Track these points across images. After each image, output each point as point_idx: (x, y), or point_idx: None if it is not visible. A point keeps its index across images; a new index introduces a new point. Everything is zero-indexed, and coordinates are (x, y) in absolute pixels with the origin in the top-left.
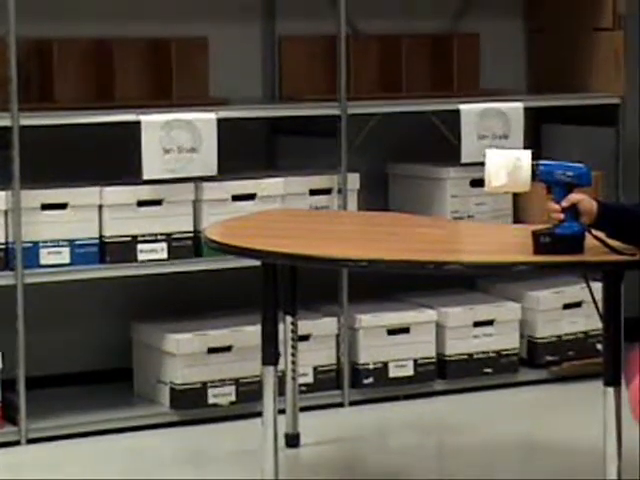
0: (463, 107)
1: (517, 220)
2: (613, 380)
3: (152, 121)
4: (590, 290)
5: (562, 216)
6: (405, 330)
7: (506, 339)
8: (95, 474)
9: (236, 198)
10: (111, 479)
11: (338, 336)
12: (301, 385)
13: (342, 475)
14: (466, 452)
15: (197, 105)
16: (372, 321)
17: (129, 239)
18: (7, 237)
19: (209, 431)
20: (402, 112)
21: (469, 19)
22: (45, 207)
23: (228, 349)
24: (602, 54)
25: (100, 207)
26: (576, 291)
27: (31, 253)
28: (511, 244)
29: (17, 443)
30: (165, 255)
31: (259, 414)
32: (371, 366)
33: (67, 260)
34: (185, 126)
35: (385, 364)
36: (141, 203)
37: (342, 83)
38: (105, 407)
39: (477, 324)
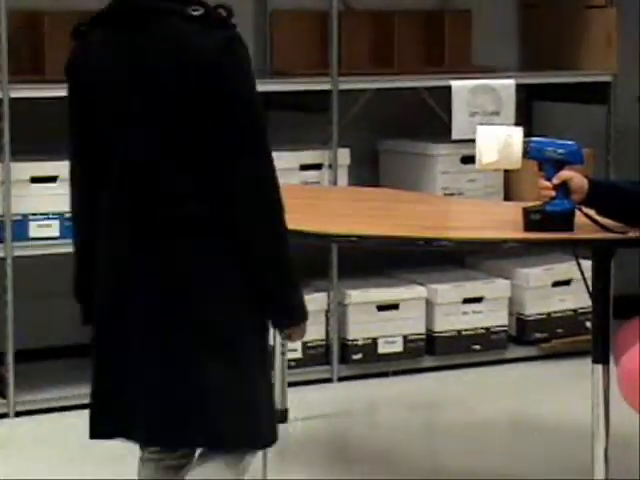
0: (454, 83)
1: (508, 197)
2: (601, 358)
3: None
4: (580, 268)
5: (553, 193)
6: (394, 306)
7: (495, 316)
8: (83, 447)
9: None
10: (99, 453)
11: (327, 312)
12: (290, 360)
13: (330, 450)
14: (454, 428)
15: None
16: (361, 297)
17: None
18: None
19: None
20: (393, 88)
21: None
22: (35, 180)
23: None
24: (594, 31)
25: None
26: (566, 269)
27: (21, 226)
28: (501, 221)
29: (5, 415)
30: None
31: None
32: (360, 342)
33: (57, 233)
34: None
35: (374, 340)
36: None
37: (334, 58)
38: None
39: (466, 301)
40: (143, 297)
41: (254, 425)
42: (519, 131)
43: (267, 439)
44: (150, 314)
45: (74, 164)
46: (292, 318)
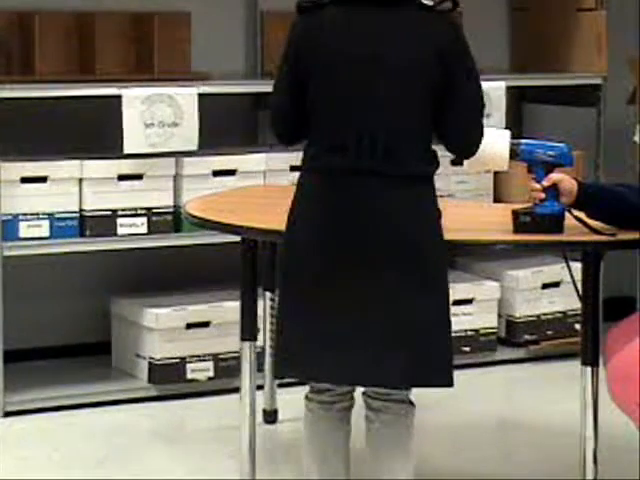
0: None
1: (497, 199)
2: (591, 360)
3: (133, 95)
4: (569, 270)
5: (542, 195)
6: None
7: (485, 318)
8: (72, 448)
9: (217, 173)
10: (89, 453)
11: None
12: None
13: None
14: (443, 430)
15: (179, 80)
16: None
17: (109, 213)
18: None
19: (187, 406)
20: None
21: None
22: (25, 180)
23: (207, 324)
24: (584, 34)
25: (80, 181)
26: (555, 271)
27: (10, 226)
28: (491, 223)
29: None
30: (145, 230)
31: (237, 390)
32: None
33: (47, 233)
34: (166, 100)
35: None
36: (121, 177)
37: None
38: (83, 381)
39: (456, 302)
40: None
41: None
42: (507, 133)
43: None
44: None
45: None
46: None
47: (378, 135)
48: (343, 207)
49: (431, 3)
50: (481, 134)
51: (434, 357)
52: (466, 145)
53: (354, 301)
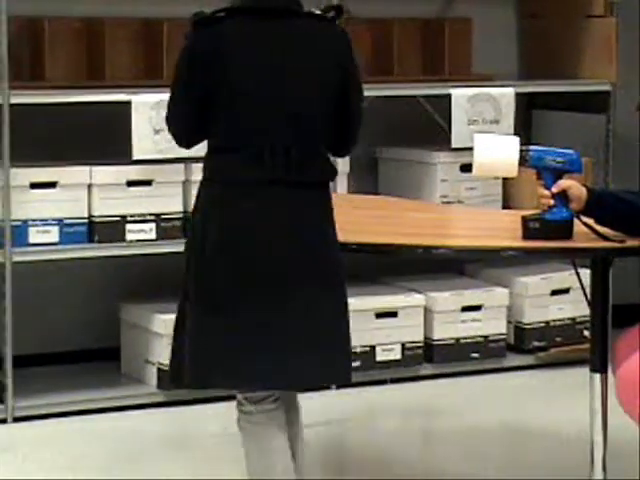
0: (454, 92)
1: (506, 205)
2: (600, 367)
3: (143, 101)
4: (578, 276)
5: (552, 202)
6: (393, 314)
7: (494, 324)
8: (81, 453)
9: None
10: (97, 458)
11: None
12: None
13: (328, 458)
14: (452, 436)
15: None
16: (360, 304)
17: (118, 219)
18: None
19: (196, 412)
20: (393, 96)
21: (461, 3)
22: (34, 186)
23: None
24: (594, 41)
25: (89, 186)
26: (564, 277)
27: (20, 232)
28: (500, 229)
29: (4, 421)
30: (154, 235)
31: None
32: (358, 349)
33: (56, 239)
34: None
35: (372, 347)
36: (130, 183)
37: None
38: (92, 386)
39: (465, 309)
40: None
41: None
42: (516, 140)
43: None
44: None
45: None
46: None
47: (290, 146)
48: (261, 217)
49: (318, 12)
50: (356, 143)
51: (338, 357)
52: (345, 155)
53: (273, 310)
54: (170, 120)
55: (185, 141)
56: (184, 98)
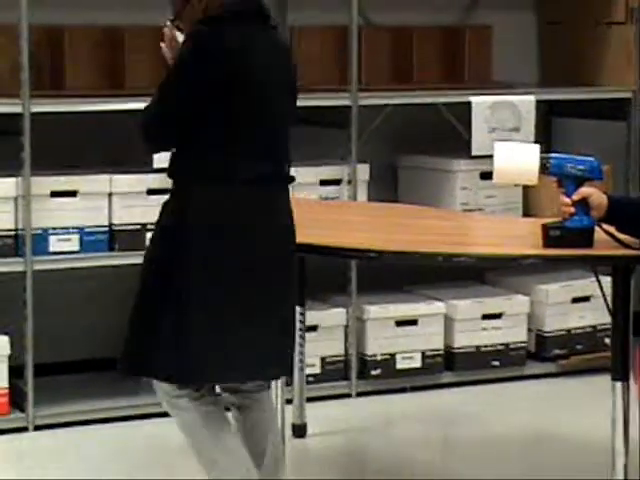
0: (474, 99)
1: (527, 213)
2: (621, 375)
3: None
4: (599, 284)
5: (572, 209)
6: (413, 322)
7: (514, 332)
8: (102, 461)
9: None
10: (118, 467)
11: (346, 327)
12: (309, 376)
13: (348, 466)
14: (472, 445)
15: None
16: (380, 312)
17: (138, 227)
18: (17, 224)
19: None
20: (413, 104)
21: (482, 11)
22: (55, 194)
23: None
24: (614, 48)
25: (110, 195)
26: (585, 285)
27: (41, 240)
28: (521, 237)
29: (24, 430)
30: None
31: None
32: (379, 357)
33: (76, 247)
34: None
35: (393, 355)
36: (151, 191)
37: (353, 74)
38: (112, 395)
39: (485, 317)
40: None
41: None
42: (536, 147)
43: None
44: None
45: None
46: None
47: (282, 146)
48: (262, 215)
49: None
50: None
51: (289, 352)
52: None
53: (258, 305)
54: (155, 121)
55: (162, 144)
56: (182, 98)
